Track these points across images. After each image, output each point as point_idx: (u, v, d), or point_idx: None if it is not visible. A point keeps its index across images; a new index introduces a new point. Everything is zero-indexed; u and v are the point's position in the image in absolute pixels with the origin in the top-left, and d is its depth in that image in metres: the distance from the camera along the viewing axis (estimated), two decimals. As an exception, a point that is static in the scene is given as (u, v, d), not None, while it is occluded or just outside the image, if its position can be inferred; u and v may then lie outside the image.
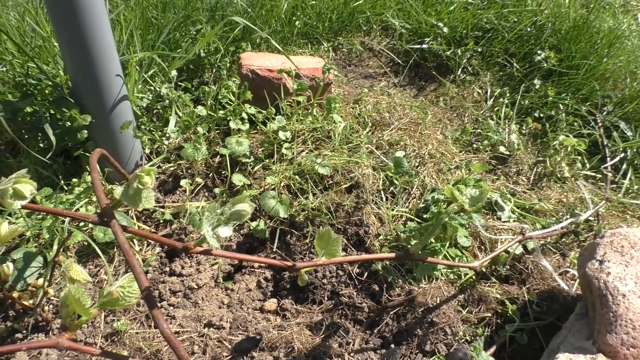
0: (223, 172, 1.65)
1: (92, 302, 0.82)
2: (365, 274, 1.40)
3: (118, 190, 0.84)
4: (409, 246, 1.38)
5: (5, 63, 1.65)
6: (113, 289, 0.85)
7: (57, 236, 1.30)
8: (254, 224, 1.50)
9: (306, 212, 1.50)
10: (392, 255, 1.12)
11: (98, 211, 1.47)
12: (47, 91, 1.56)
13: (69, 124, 1.49)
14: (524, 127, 2.02)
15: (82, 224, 1.43)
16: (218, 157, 1.67)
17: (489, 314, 1.28)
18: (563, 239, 1.53)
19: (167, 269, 1.43)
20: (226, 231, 0.85)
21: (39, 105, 1.49)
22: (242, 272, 1.47)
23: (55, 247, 1.27)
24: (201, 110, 1.66)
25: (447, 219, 1.33)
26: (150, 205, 0.89)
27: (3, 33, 1.66)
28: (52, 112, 1.53)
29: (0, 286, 1.09)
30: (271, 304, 1.39)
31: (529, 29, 2.33)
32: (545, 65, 2.17)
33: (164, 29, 1.95)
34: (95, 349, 0.84)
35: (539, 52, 2.21)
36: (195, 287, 1.37)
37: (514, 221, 1.56)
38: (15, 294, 1.18)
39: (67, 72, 1.48)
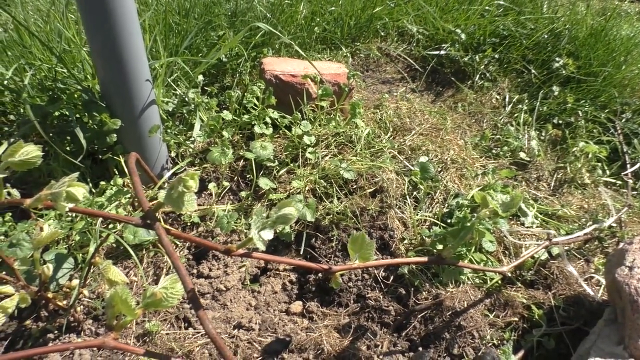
0: (247, 176, 1.66)
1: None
2: (391, 278, 1.41)
3: (162, 194, 0.87)
4: (436, 250, 1.40)
5: (35, 67, 1.67)
6: (156, 290, 0.87)
7: (92, 238, 1.32)
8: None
9: (331, 215, 1.52)
10: (425, 259, 1.13)
11: (126, 214, 1.50)
12: (75, 95, 1.58)
13: (97, 127, 1.51)
14: (543, 134, 2.03)
15: (110, 225, 1.45)
16: (242, 160, 1.69)
17: (516, 319, 1.30)
18: (587, 245, 1.54)
19: (195, 271, 1.45)
20: (269, 234, 0.87)
21: (69, 109, 1.51)
22: (268, 275, 1.49)
23: (91, 248, 1.29)
24: (227, 115, 1.68)
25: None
26: (193, 209, 0.90)
27: (35, 37, 1.68)
28: (78, 115, 1.56)
29: (39, 287, 1.11)
30: (297, 306, 1.40)
31: (545, 36, 2.34)
32: (563, 72, 2.18)
33: (187, 34, 1.98)
34: (139, 349, 0.85)
35: (556, 59, 2.22)
36: (224, 289, 1.39)
37: (537, 227, 1.57)
38: (50, 295, 1.20)
39: (97, 75, 1.50)
